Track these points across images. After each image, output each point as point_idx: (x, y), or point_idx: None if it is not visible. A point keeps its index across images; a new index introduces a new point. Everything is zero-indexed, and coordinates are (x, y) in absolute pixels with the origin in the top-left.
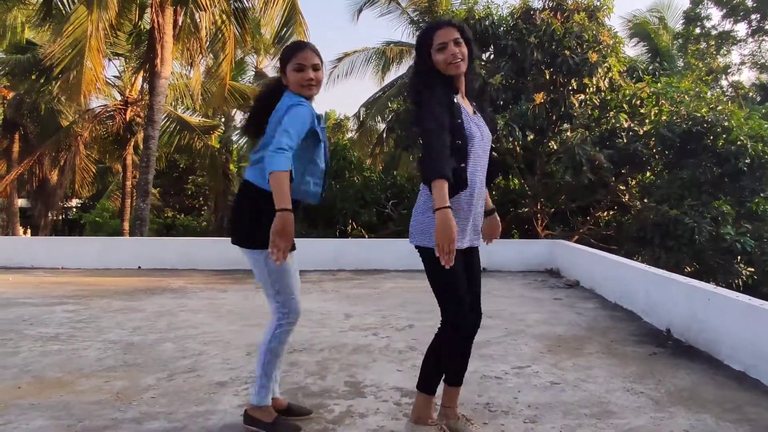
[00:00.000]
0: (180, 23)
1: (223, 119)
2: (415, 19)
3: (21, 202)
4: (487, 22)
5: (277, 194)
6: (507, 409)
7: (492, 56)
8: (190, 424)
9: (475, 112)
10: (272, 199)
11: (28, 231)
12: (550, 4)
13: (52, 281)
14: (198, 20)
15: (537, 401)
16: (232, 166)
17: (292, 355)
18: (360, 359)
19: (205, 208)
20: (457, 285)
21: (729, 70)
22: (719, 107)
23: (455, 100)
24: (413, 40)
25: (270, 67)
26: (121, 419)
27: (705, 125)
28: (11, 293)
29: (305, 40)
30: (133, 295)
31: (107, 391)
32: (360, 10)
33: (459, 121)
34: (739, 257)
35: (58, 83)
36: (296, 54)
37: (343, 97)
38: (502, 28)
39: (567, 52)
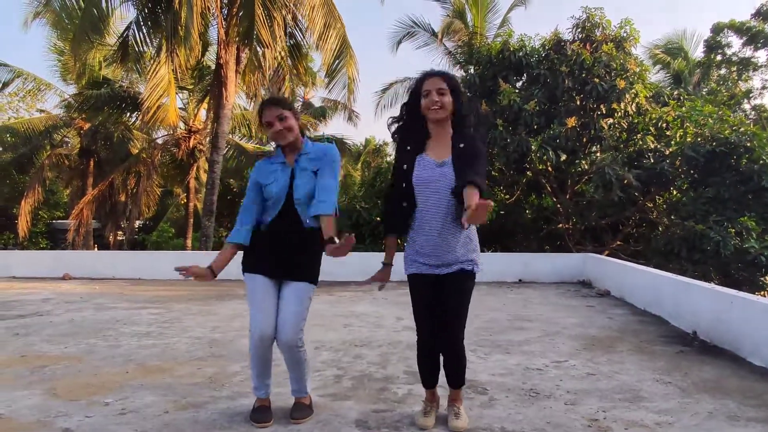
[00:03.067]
0: (243, 59)
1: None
2: (452, 51)
3: (92, 224)
4: (521, 53)
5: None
6: (549, 393)
7: (525, 84)
8: (277, 400)
9: (442, 161)
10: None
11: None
12: (580, 36)
13: (133, 289)
14: (261, 56)
15: (575, 388)
16: None
17: (356, 349)
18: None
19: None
20: (415, 311)
21: (751, 95)
22: (742, 129)
23: (407, 148)
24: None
25: (317, 97)
26: (217, 397)
27: (729, 146)
28: (101, 299)
29: (268, 97)
30: (206, 300)
31: (201, 376)
32: (399, 42)
33: (405, 168)
34: (763, 269)
35: (140, 116)
36: (261, 114)
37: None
38: (534, 58)
39: (596, 80)
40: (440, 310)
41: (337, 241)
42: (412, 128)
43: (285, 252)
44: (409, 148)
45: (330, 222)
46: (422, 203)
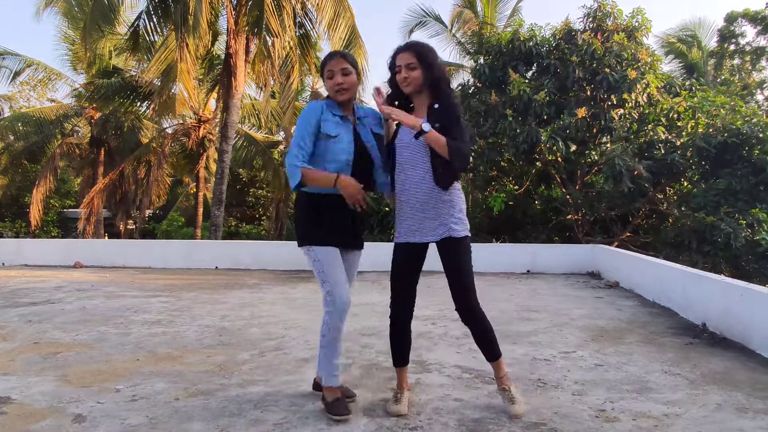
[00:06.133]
0: (252, 48)
1: (283, 135)
2: (462, 41)
3: (103, 213)
4: (531, 43)
5: (318, 183)
6: (557, 384)
7: (536, 74)
8: (284, 389)
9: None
10: (304, 199)
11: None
12: (591, 26)
13: (144, 278)
14: (270, 45)
15: (583, 378)
16: None
17: (365, 339)
18: (423, 343)
19: (265, 217)
20: (392, 279)
21: (764, 85)
22: (754, 120)
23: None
24: (461, 61)
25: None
26: (227, 384)
27: (740, 137)
28: (112, 288)
29: (337, 50)
30: (216, 289)
31: (211, 364)
32: (411, 31)
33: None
34: None
35: (151, 105)
36: (326, 63)
37: None
38: (545, 48)
39: (607, 70)
40: (450, 280)
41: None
42: (400, 102)
43: (352, 221)
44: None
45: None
46: (402, 172)
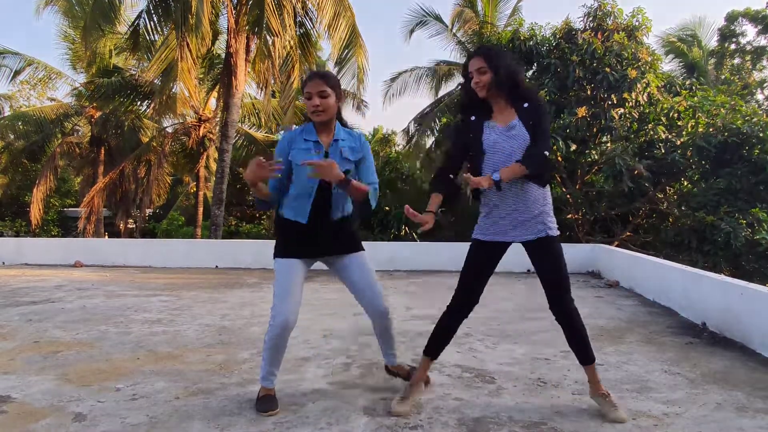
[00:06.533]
0: (253, 48)
1: (283, 134)
2: (462, 40)
3: (103, 212)
4: (531, 42)
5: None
6: (557, 383)
7: (536, 73)
8: (285, 387)
9: (509, 125)
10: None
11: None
12: (591, 25)
13: (144, 277)
14: (270, 45)
15: (583, 378)
16: None
17: (364, 338)
18: (424, 342)
19: (265, 217)
20: (463, 272)
21: (765, 84)
22: (755, 119)
23: (472, 118)
24: (461, 60)
25: None
26: (227, 383)
27: (740, 136)
28: (112, 287)
29: (315, 70)
30: (216, 288)
31: (211, 363)
32: (412, 31)
33: (471, 135)
34: None
35: (152, 104)
36: (305, 84)
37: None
38: (545, 48)
39: (607, 69)
40: (546, 278)
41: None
42: (476, 103)
43: (324, 237)
44: (473, 117)
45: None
46: (491, 170)
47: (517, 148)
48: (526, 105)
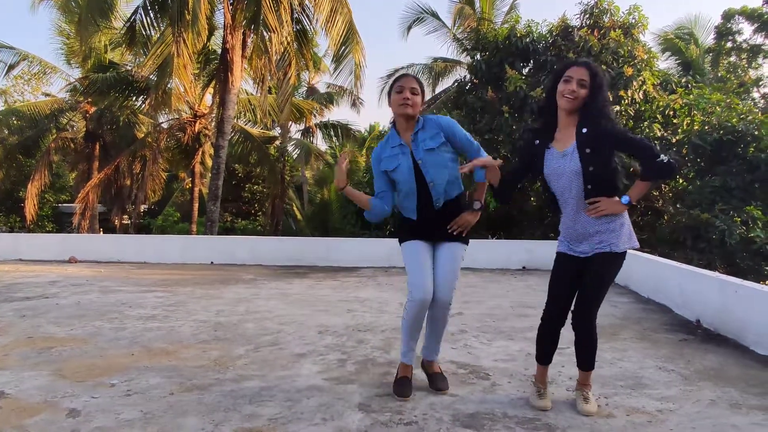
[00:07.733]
0: (249, 44)
1: (279, 130)
2: (460, 37)
3: (98, 207)
4: (527, 39)
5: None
6: (551, 379)
7: (532, 70)
8: (280, 383)
9: (564, 152)
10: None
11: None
12: (588, 22)
13: (139, 273)
14: (267, 41)
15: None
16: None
17: (360, 334)
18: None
19: (260, 213)
20: (551, 285)
21: (761, 82)
22: (750, 117)
23: (536, 143)
24: (458, 57)
25: (321, 82)
26: (222, 379)
27: (736, 134)
28: (107, 282)
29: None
30: (212, 285)
31: (206, 359)
32: (409, 27)
33: (535, 160)
34: None
35: (147, 100)
36: (398, 80)
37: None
38: (541, 45)
39: (603, 67)
40: (580, 290)
41: (477, 207)
42: (546, 116)
43: (435, 226)
44: (537, 142)
45: (483, 187)
46: (555, 190)
47: (569, 174)
48: (584, 130)
